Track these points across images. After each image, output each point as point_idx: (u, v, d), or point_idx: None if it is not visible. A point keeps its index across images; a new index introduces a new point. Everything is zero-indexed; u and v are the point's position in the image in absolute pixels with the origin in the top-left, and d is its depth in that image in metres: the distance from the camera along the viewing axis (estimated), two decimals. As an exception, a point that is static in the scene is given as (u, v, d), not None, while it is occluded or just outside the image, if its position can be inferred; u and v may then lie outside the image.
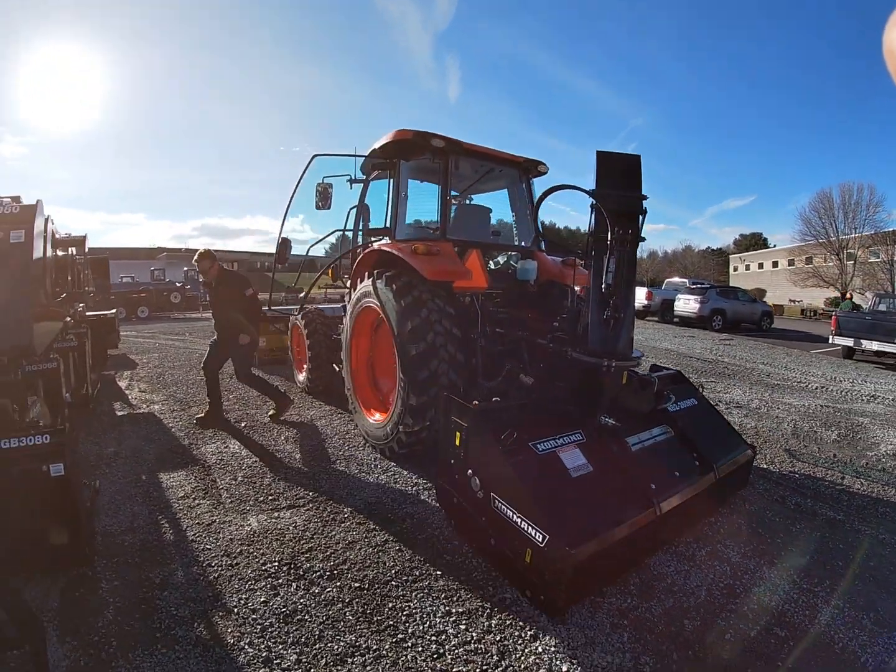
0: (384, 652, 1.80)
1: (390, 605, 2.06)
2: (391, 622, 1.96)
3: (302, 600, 2.08)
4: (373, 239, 4.26)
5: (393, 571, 2.29)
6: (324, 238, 5.13)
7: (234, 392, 5.64)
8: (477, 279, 3.63)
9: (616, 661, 1.83)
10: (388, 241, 3.80)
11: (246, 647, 1.83)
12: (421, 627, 1.93)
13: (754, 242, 51.44)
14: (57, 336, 4.04)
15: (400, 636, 1.88)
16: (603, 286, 2.58)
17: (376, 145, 3.93)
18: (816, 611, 2.17)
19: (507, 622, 2.00)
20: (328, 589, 2.15)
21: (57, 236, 4.23)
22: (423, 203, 4.36)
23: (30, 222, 2.68)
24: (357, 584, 2.19)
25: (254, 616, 1.99)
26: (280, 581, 2.21)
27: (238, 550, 2.44)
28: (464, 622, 1.98)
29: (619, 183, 2.77)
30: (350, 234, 4.94)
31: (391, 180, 3.93)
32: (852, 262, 29.00)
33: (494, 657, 1.80)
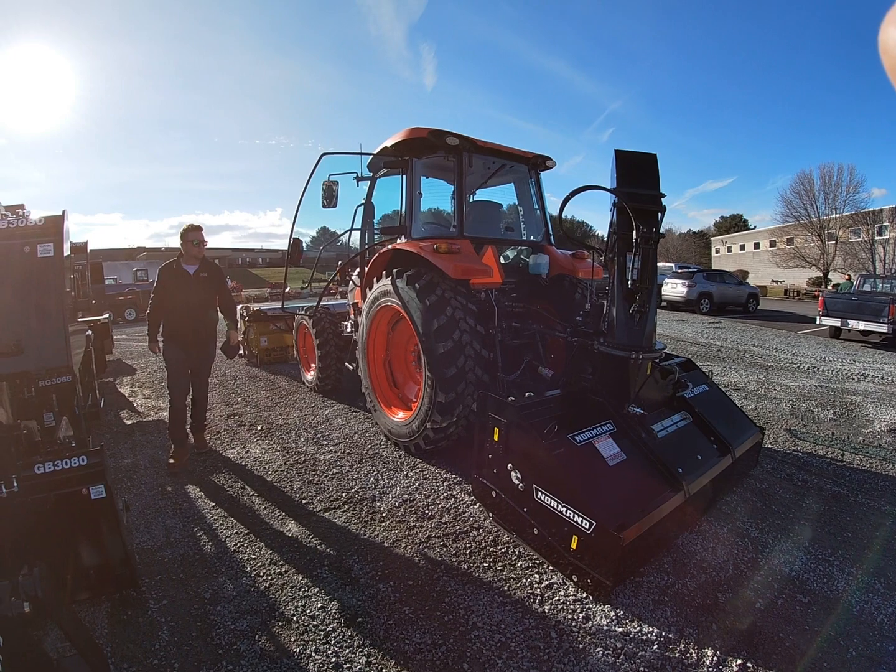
0: (451, 645, 1.88)
1: (447, 600, 2.14)
2: (451, 616, 2.03)
3: (360, 603, 2.12)
4: (385, 237, 4.25)
5: (442, 567, 2.37)
6: (339, 237, 5.09)
7: (242, 394, 5.60)
8: (493, 275, 3.69)
9: (663, 634, 1.96)
10: (405, 241, 3.81)
11: (313, 654, 1.85)
12: (480, 619, 2.01)
13: (735, 224, 52.35)
14: (84, 350, 3.93)
15: (462, 629, 1.96)
16: (629, 282, 2.67)
17: (388, 143, 3.91)
18: (833, 578, 2.34)
19: (559, 606, 2.10)
20: (383, 589, 2.21)
21: None
22: (430, 198, 4.37)
23: (58, 234, 2.57)
24: (411, 582, 2.25)
25: (314, 623, 2.01)
26: (333, 585, 2.24)
27: (284, 558, 2.46)
28: (519, 610, 2.07)
29: (637, 181, 2.84)
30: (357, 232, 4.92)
31: (404, 178, 3.93)
32: (833, 241, 29.67)
33: (555, 640, 1.91)
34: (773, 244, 35.70)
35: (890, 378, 6.67)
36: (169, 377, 3.66)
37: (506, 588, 2.22)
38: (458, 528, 2.72)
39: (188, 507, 3.02)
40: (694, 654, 1.86)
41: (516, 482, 2.44)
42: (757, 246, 39.34)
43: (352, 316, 5.07)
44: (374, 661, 1.81)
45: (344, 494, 3.13)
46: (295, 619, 2.03)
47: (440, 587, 2.22)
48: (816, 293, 18.55)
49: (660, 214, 2.85)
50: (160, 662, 1.81)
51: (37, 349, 2.48)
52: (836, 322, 10.32)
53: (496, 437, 2.54)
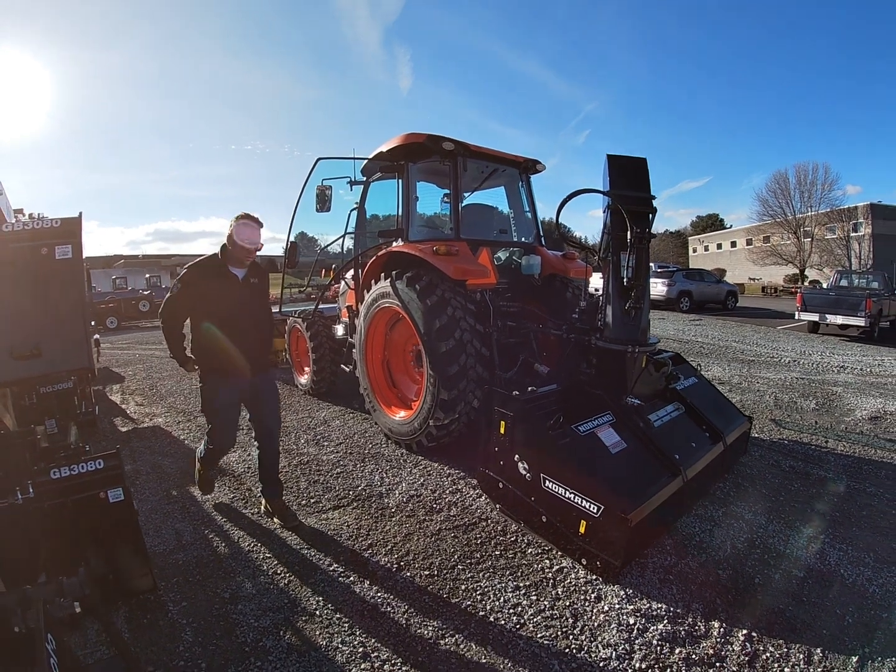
0: (472, 630, 1.95)
1: (463, 587, 2.21)
2: (469, 602, 2.11)
3: (379, 594, 2.17)
4: (381, 240, 4.32)
5: (455, 557, 2.44)
6: (334, 242, 5.12)
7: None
8: (489, 276, 3.79)
9: (672, 610, 2.07)
10: (402, 243, 3.89)
11: (339, 645, 1.88)
12: (497, 603, 2.09)
13: (711, 223, 53.49)
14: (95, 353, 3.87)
15: (481, 614, 2.04)
16: (625, 280, 2.80)
17: (384, 148, 3.99)
18: (825, 554, 2.49)
19: (571, 588, 2.20)
20: (401, 581, 2.26)
21: None
22: (422, 202, 4.45)
23: (76, 236, 2.53)
24: (427, 573, 2.31)
25: (337, 616, 2.04)
26: (352, 579, 2.28)
27: (300, 555, 2.49)
28: (533, 594, 2.16)
29: (629, 184, 2.98)
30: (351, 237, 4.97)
31: (400, 182, 4.01)
32: (809, 239, 30.37)
33: (570, 620, 2.00)
34: (749, 242, 36.53)
35: (868, 369, 7.00)
36: (214, 428, 2.70)
37: (518, 574, 2.30)
38: (466, 519, 2.79)
39: (196, 510, 3.02)
40: (702, 627, 1.98)
41: (523, 472, 2.53)
42: (734, 244, 40.25)
43: (345, 318, 5.10)
44: (400, 649, 1.87)
45: (351, 492, 3.17)
46: (318, 613, 2.07)
47: (455, 576, 2.29)
48: (794, 290, 19.14)
49: (651, 215, 2.99)
50: (186, 663, 1.80)
51: (57, 351, 2.45)
52: (815, 317, 10.64)
53: (502, 430, 2.63)
